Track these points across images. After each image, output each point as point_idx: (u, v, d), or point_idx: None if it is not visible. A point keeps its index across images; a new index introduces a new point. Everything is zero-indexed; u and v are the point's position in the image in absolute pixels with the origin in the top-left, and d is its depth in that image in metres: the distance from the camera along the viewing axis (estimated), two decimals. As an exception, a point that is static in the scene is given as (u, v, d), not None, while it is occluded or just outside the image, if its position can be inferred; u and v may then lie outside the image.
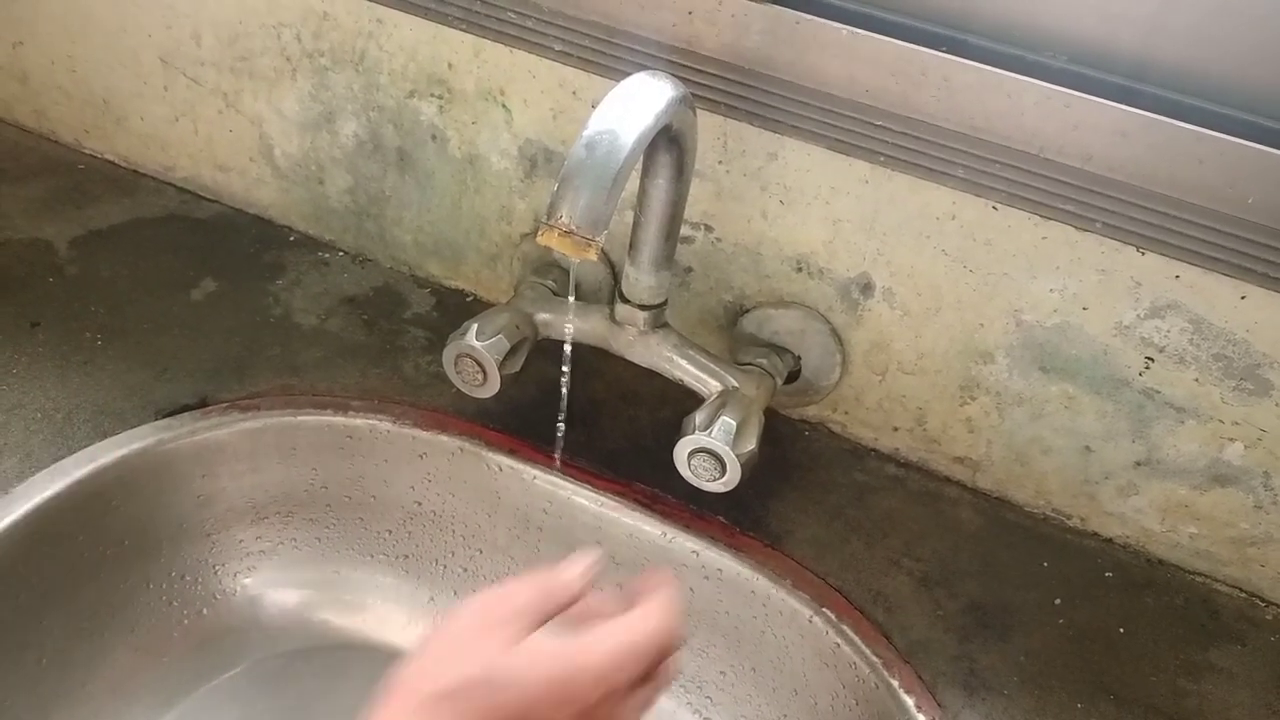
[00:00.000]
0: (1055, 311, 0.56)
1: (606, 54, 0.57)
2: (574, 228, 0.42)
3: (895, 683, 0.53)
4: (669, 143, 0.49)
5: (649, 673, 0.39)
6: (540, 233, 0.43)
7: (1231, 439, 0.56)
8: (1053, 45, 0.51)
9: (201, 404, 0.62)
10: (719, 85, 0.55)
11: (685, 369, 0.58)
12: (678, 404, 0.62)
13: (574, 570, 0.41)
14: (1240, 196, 0.48)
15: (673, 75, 0.48)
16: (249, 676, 0.64)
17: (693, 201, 0.60)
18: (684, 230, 0.62)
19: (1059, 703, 0.54)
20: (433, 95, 0.65)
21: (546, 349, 0.62)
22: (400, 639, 0.67)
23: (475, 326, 0.58)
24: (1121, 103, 0.48)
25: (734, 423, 0.54)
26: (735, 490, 0.55)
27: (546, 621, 0.39)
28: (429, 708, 0.35)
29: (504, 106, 0.64)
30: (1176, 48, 0.49)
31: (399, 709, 0.35)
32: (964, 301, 0.58)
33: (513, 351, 0.58)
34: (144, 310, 0.68)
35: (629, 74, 0.47)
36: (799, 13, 0.51)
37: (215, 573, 0.65)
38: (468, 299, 0.74)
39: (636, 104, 0.45)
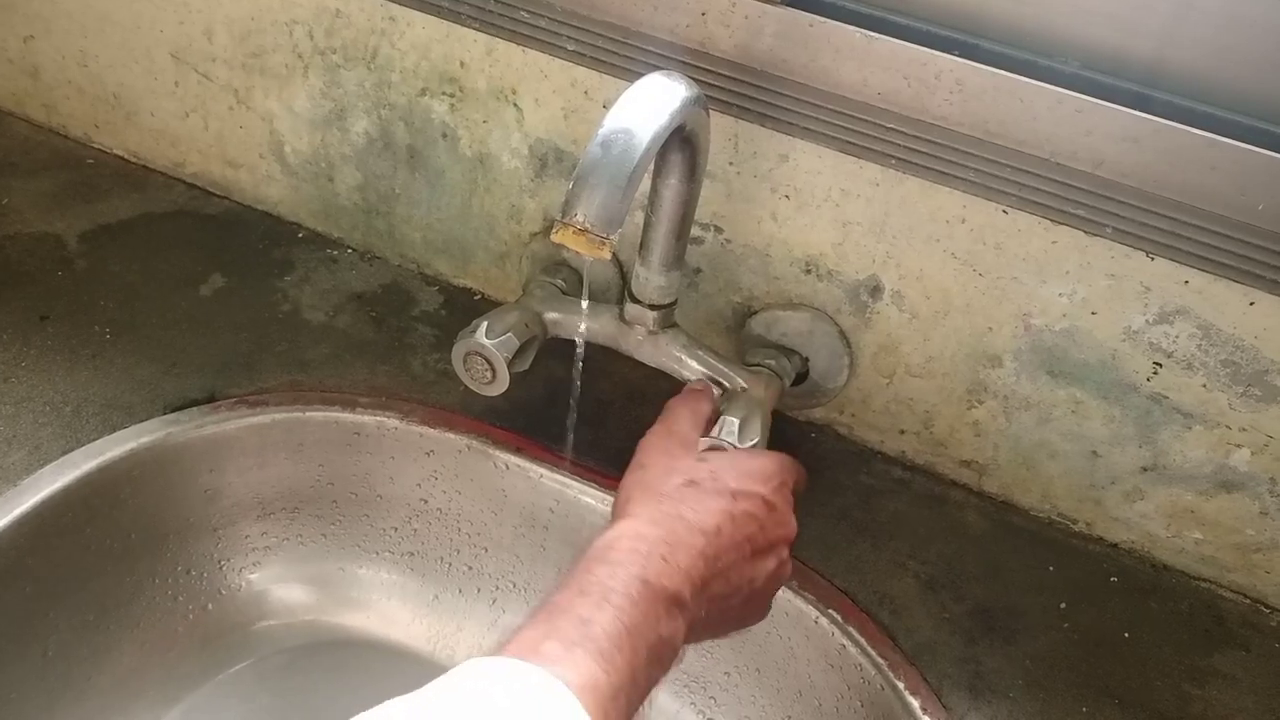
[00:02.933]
0: (1064, 316, 0.56)
1: (619, 54, 0.57)
2: (588, 226, 0.42)
3: (901, 685, 0.53)
4: (682, 143, 0.49)
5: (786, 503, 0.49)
6: (555, 231, 0.43)
7: (1238, 445, 0.56)
8: (1065, 51, 0.51)
9: (209, 399, 0.62)
10: (731, 87, 0.55)
11: (693, 369, 0.59)
12: (685, 404, 0.63)
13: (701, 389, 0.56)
14: (1250, 203, 0.48)
15: (686, 76, 0.48)
16: (254, 672, 0.64)
17: (703, 202, 0.60)
18: (694, 231, 0.62)
19: (1063, 706, 0.54)
20: (444, 93, 0.65)
21: (554, 348, 0.62)
22: (405, 636, 0.67)
23: (485, 324, 0.58)
24: (1133, 109, 0.48)
25: (742, 423, 0.54)
26: (743, 491, 0.55)
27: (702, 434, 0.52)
28: (666, 497, 0.44)
29: (515, 106, 0.64)
30: (1189, 55, 0.49)
31: (641, 503, 0.44)
32: (973, 305, 0.58)
33: (521, 350, 0.58)
34: (153, 305, 0.68)
35: (641, 75, 0.47)
36: (812, 15, 0.52)
37: (221, 568, 0.65)
38: (476, 297, 0.74)
39: (652, 103, 0.45)
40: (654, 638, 0.37)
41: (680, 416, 0.52)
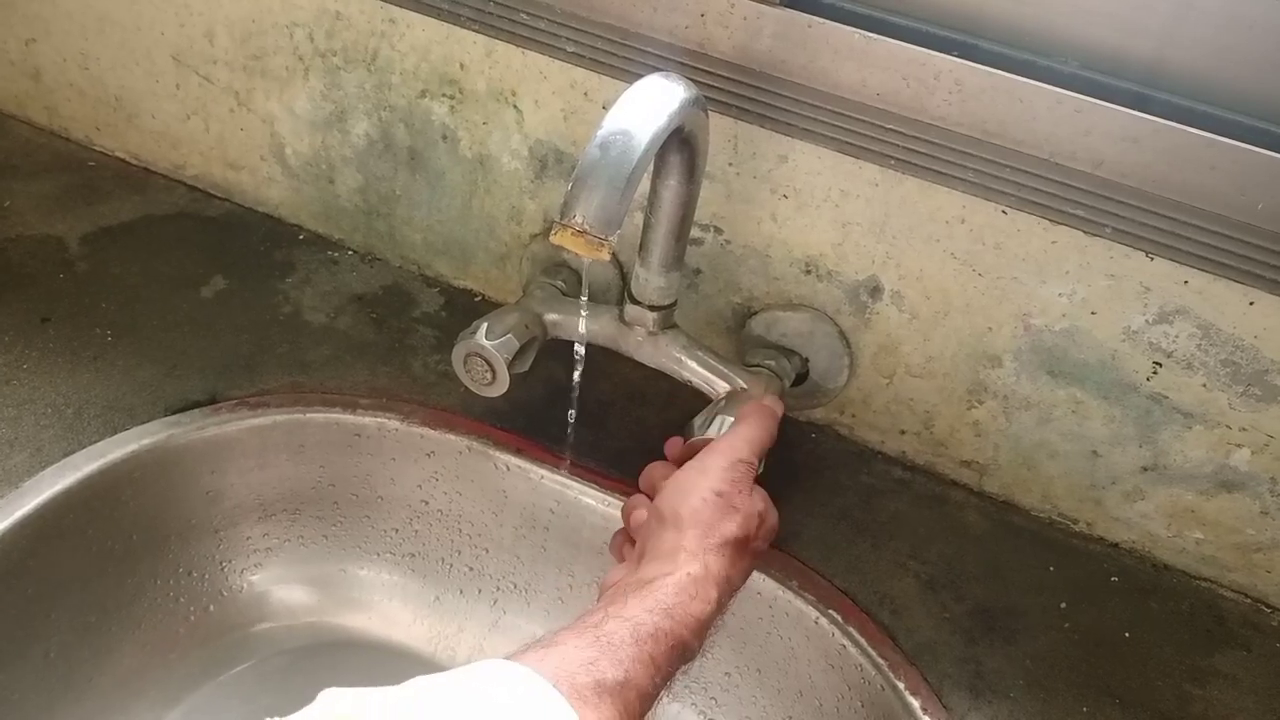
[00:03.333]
0: (1064, 316, 0.56)
1: (618, 56, 0.58)
2: (587, 227, 0.43)
3: (901, 685, 0.54)
4: (681, 144, 0.49)
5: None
6: (554, 232, 0.43)
7: (1238, 445, 0.56)
8: (1065, 51, 0.51)
9: (211, 401, 0.62)
10: (730, 88, 0.56)
11: (693, 370, 0.59)
12: (685, 405, 0.62)
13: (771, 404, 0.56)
14: (1250, 203, 0.48)
15: (684, 77, 0.48)
16: (255, 673, 0.64)
17: (702, 203, 0.60)
18: (693, 232, 0.62)
19: (1064, 706, 0.54)
20: (444, 95, 0.66)
21: (554, 349, 0.62)
22: (406, 637, 0.67)
23: (485, 325, 0.58)
24: (1133, 109, 0.48)
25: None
26: (743, 491, 0.55)
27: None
28: (724, 550, 0.47)
29: (515, 107, 0.64)
30: (1188, 54, 0.49)
31: (703, 548, 0.46)
32: (972, 305, 0.58)
33: (522, 351, 0.58)
34: (154, 307, 0.68)
35: (640, 76, 0.47)
36: (811, 16, 0.52)
37: (222, 569, 0.65)
38: (476, 299, 0.74)
39: (650, 105, 0.45)
40: (663, 676, 0.42)
41: (759, 441, 0.52)
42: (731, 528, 0.47)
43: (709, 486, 0.48)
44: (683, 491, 0.49)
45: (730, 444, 0.51)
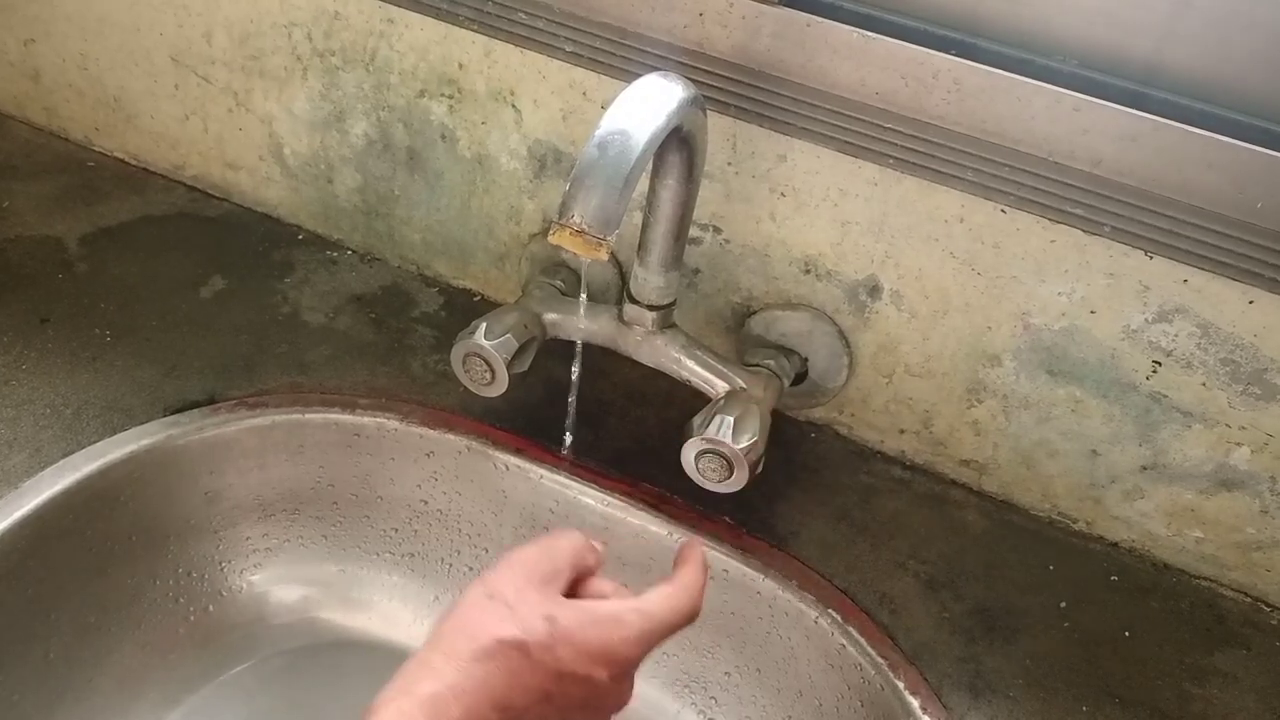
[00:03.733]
0: (1063, 315, 0.56)
1: (617, 55, 0.58)
2: (585, 227, 0.43)
3: (901, 684, 0.53)
4: (679, 144, 0.49)
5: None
6: (552, 232, 0.43)
7: (1238, 443, 0.56)
8: (1063, 50, 0.51)
9: (210, 401, 0.62)
10: (729, 87, 0.56)
11: (693, 370, 0.59)
12: (684, 404, 0.63)
13: (599, 548, 0.44)
14: (1249, 201, 0.48)
15: (683, 77, 0.48)
16: (255, 673, 0.64)
17: (701, 203, 0.60)
18: (692, 231, 0.62)
19: (1064, 706, 0.54)
20: (443, 95, 0.66)
21: (553, 349, 0.62)
22: (406, 637, 0.67)
23: (484, 325, 0.58)
24: (1131, 107, 0.48)
25: (741, 424, 0.54)
26: (742, 491, 0.55)
27: (576, 578, 0.42)
28: (484, 657, 0.37)
29: (514, 107, 0.64)
30: (1186, 53, 0.49)
31: (454, 654, 0.37)
32: (972, 304, 0.58)
33: (521, 351, 0.58)
34: (153, 307, 0.68)
35: (639, 75, 0.47)
36: (810, 15, 0.52)
37: (222, 569, 0.65)
38: (475, 299, 0.74)
39: (648, 104, 0.45)
40: None
41: (559, 550, 0.42)
42: (504, 628, 0.38)
43: (481, 589, 0.39)
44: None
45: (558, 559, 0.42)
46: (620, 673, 0.40)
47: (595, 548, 0.44)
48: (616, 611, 0.40)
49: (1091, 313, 0.56)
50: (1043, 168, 0.51)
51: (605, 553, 0.44)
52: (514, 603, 0.39)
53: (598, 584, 0.43)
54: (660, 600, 0.42)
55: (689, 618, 0.43)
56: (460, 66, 0.64)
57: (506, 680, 0.37)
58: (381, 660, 0.66)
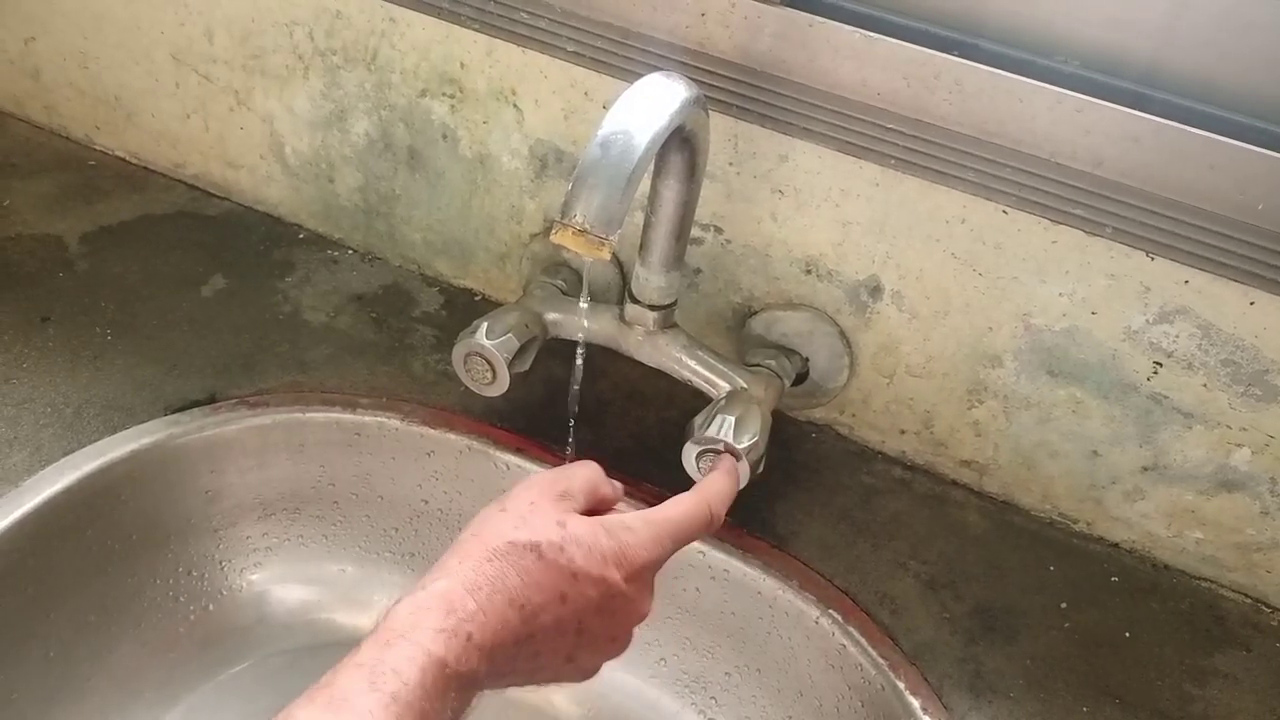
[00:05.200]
0: (1064, 315, 0.56)
1: (619, 55, 0.58)
2: (588, 227, 0.42)
3: (901, 685, 0.53)
4: (681, 143, 0.49)
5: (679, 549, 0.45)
6: (554, 231, 0.43)
7: (1239, 444, 0.56)
8: (1065, 50, 0.51)
9: (210, 400, 0.62)
10: (730, 87, 0.56)
11: (694, 370, 0.59)
12: (685, 404, 0.63)
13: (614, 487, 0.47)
14: (1250, 202, 0.48)
15: (685, 77, 0.48)
16: (254, 673, 0.64)
17: (703, 203, 0.60)
18: (694, 231, 0.62)
19: (1064, 706, 0.54)
20: (444, 94, 0.66)
21: (554, 349, 0.62)
22: (406, 637, 0.67)
23: (485, 325, 0.58)
24: (1133, 108, 0.48)
25: (737, 420, 0.54)
26: (743, 491, 0.55)
27: (590, 507, 0.44)
28: (497, 556, 0.39)
29: (515, 106, 0.64)
30: (1188, 54, 0.49)
31: (468, 556, 0.39)
32: (972, 305, 0.58)
33: (522, 350, 0.58)
34: (154, 306, 0.68)
35: (641, 75, 0.47)
36: (812, 15, 0.52)
37: (222, 569, 0.65)
38: (476, 298, 0.74)
39: (651, 104, 0.45)
40: None
41: (575, 474, 0.44)
42: (517, 533, 0.39)
43: (495, 505, 0.42)
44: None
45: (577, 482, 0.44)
46: (633, 575, 0.41)
47: (614, 483, 0.46)
48: (625, 518, 0.43)
49: (1092, 313, 0.56)
50: (1044, 168, 0.51)
51: (622, 492, 0.47)
52: (526, 513, 0.41)
53: (615, 513, 0.44)
54: (671, 507, 0.45)
55: (705, 524, 0.45)
56: (462, 66, 0.64)
57: (520, 579, 0.38)
58: (381, 660, 0.66)
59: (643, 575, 0.42)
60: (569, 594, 0.39)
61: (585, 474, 0.45)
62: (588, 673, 0.43)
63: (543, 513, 0.41)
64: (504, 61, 0.62)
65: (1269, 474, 0.57)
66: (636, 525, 0.43)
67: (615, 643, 0.43)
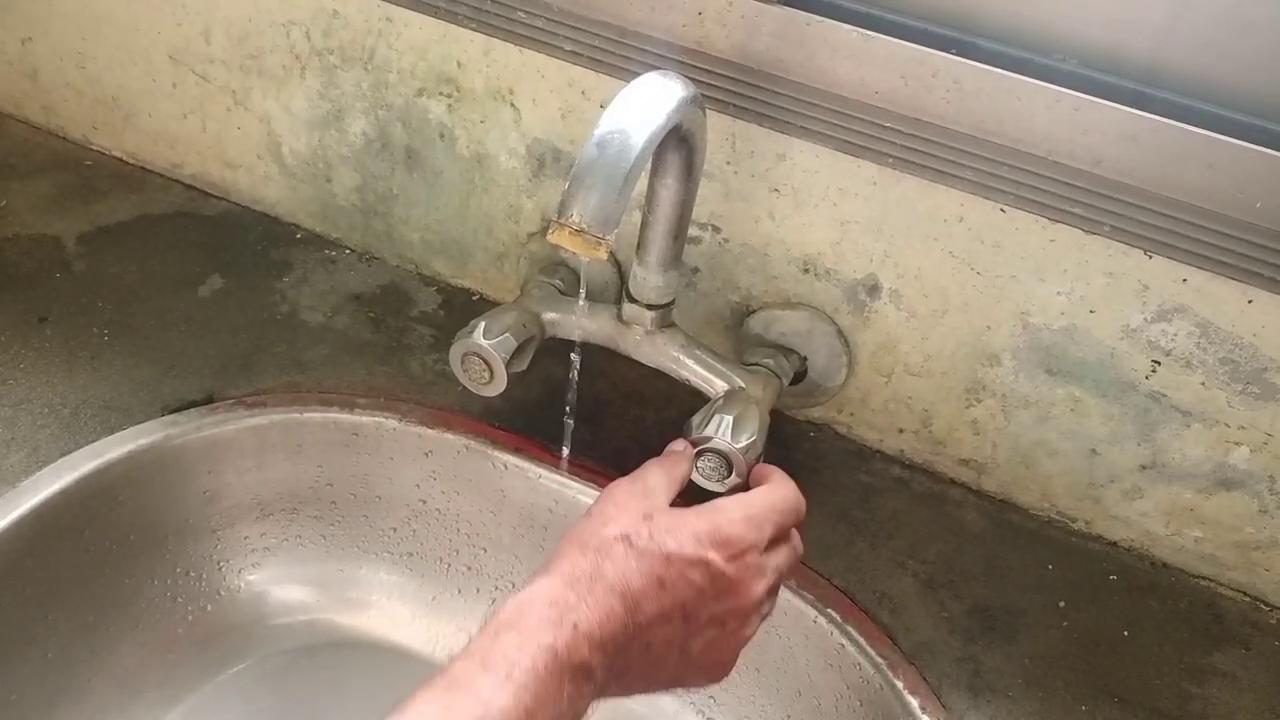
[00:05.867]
0: (1062, 314, 0.56)
1: (616, 54, 0.57)
2: (585, 226, 0.42)
3: (900, 684, 0.53)
4: (679, 143, 0.49)
5: (781, 535, 0.46)
6: (551, 231, 0.43)
7: (1237, 443, 0.56)
8: (1063, 49, 0.51)
9: (208, 400, 0.62)
10: (728, 86, 0.55)
11: (692, 369, 0.59)
12: (683, 404, 0.63)
13: (681, 450, 0.51)
14: (1249, 201, 0.48)
15: (682, 76, 0.48)
16: (253, 673, 0.64)
17: (700, 202, 0.60)
18: (691, 230, 0.62)
19: (1063, 705, 0.54)
20: (441, 94, 0.65)
21: (552, 348, 0.62)
22: (404, 636, 0.67)
23: (483, 325, 0.58)
24: (1131, 107, 0.48)
25: (735, 420, 0.54)
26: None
27: (675, 498, 0.46)
28: (590, 550, 0.40)
29: (513, 106, 0.64)
30: (1186, 53, 0.49)
31: (563, 555, 0.40)
32: (971, 304, 0.58)
33: (519, 350, 0.58)
34: (151, 306, 0.68)
35: (638, 74, 0.47)
36: (809, 14, 0.52)
37: (220, 569, 0.65)
38: (474, 298, 0.74)
39: (648, 103, 0.45)
40: (555, 712, 0.36)
41: (650, 472, 0.47)
42: (607, 529, 0.41)
43: (583, 517, 0.44)
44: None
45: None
46: (734, 555, 0.42)
47: (685, 456, 0.50)
48: (716, 501, 0.44)
49: (1091, 312, 0.56)
50: (1042, 167, 0.51)
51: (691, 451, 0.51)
52: (613, 513, 0.42)
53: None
54: (756, 491, 0.47)
55: (795, 502, 0.47)
56: (459, 65, 0.64)
57: (616, 567, 0.40)
58: (380, 659, 0.66)
59: (745, 557, 0.43)
60: (666, 578, 0.40)
61: (658, 469, 0.47)
62: (710, 670, 0.44)
63: (628, 510, 0.43)
64: (501, 61, 0.62)
65: (1267, 472, 0.57)
66: (728, 505, 0.44)
67: (727, 631, 0.43)
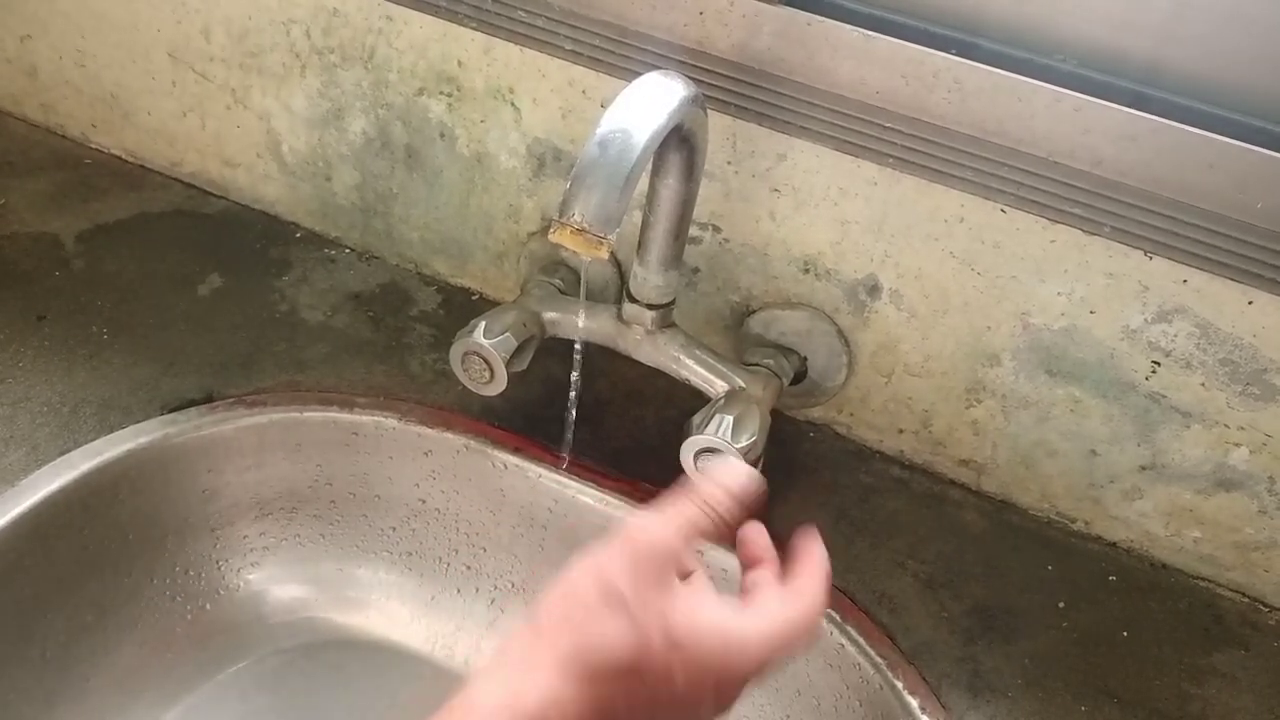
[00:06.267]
0: (1062, 315, 0.56)
1: (617, 54, 0.57)
2: (586, 226, 0.42)
3: (899, 684, 0.53)
4: (680, 142, 0.49)
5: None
6: (552, 230, 0.43)
7: (1237, 444, 0.56)
8: (1063, 49, 0.51)
9: (207, 399, 0.62)
10: (729, 86, 0.55)
11: (692, 369, 0.59)
12: (683, 403, 0.63)
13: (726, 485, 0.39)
14: (1249, 202, 0.48)
15: (683, 75, 0.48)
16: (252, 672, 0.64)
17: (701, 202, 0.60)
18: (692, 230, 0.62)
19: (1062, 705, 0.54)
20: (442, 93, 0.65)
21: (552, 348, 0.62)
22: (403, 636, 0.67)
23: (483, 324, 0.58)
24: (1131, 107, 0.48)
25: (736, 420, 0.54)
26: (741, 490, 0.55)
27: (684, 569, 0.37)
28: (585, 685, 0.33)
29: (513, 105, 0.64)
30: (1186, 53, 0.49)
31: (549, 669, 0.33)
32: (971, 304, 0.58)
33: (520, 350, 0.58)
34: (150, 305, 0.68)
35: (639, 74, 0.47)
36: (810, 14, 0.52)
37: (219, 568, 0.65)
38: (474, 297, 0.74)
39: (649, 103, 0.45)
40: None
41: (651, 535, 0.36)
42: (621, 643, 0.33)
43: (593, 576, 0.34)
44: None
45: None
46: (725, 690, 0.36)
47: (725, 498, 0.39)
48: (740, 632, 0.35)
49: (1091, 313, 0.56)
50: (1043, 167, 0.51)
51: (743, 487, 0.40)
52: (632, 603, 0.33)
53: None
54: (776, 610, 0.37)
55: (813, 622, 0.37)
56: (459, 64, 0.64)
57: (617, 700, 0.33)
58: (379, 659, 0.66)
59: (733, 692, 0.36)
60: (659, 701, 0.34)
61: (659, 533, 0.36)
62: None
63: (648, 606, 0.34)
64: (502, 60, 0.62)
65: (1267, 473, 0.57)
66: (750, 641, 0.35)
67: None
